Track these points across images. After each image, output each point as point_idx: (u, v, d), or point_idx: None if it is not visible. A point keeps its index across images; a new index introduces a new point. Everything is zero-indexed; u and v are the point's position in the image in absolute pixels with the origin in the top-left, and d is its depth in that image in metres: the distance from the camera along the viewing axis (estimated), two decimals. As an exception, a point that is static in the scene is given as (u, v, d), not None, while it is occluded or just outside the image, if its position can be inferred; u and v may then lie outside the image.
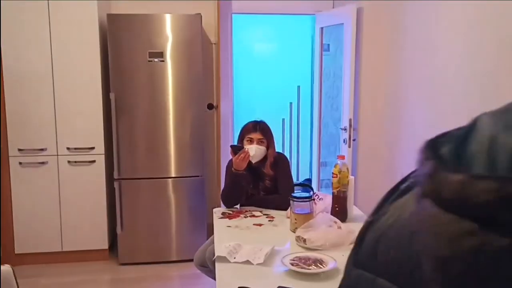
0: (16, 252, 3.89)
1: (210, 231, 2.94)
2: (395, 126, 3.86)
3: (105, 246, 4.02)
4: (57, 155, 3.87)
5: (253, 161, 2.82)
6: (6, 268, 1.64)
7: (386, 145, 4.03)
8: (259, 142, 2.85)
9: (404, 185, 0.54)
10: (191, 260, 2.95)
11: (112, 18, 3.78)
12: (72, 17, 3.76)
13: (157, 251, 4.01)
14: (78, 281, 3.74)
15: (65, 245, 3.96)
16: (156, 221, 3.98)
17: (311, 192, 2.55)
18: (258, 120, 2.97)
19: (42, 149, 3.85)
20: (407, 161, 3.69)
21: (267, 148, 2.89)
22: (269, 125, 3.00)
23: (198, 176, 3.99)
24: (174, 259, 4.01)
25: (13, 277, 1.66)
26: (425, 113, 3.39)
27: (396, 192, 0.54)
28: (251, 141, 2.85)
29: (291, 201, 2.42)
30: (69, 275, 3.82)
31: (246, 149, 2.75)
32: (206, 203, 4.07)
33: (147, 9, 4.06)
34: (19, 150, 3.81)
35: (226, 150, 3.75)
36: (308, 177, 5.97)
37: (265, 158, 2.89)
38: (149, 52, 3.81)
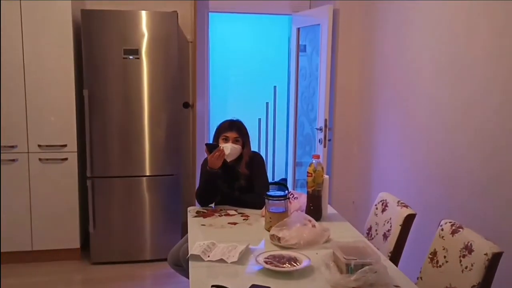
0: (-16, 252, 3.79)
1: (184, 230, 2.92)
2: (369, 126, 3.91)
3: (77, 245, 3.94)
4: (28, 152, 3.78)
5: (228, 160, 2.81)
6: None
7: (360, 145, 4.08)
8: (235, 141, 2.84)
9: None
10: (165, 260, 2.92)
11: (86, 14, 3.71)
12: (45, 12, 3.68)
13: (131, 251, 3.96)
14: (48, 281, 3.66)
15: (35, 244, 3.87)
16: (129, 220, 3.92)
17: (286, 191, 2.55)
18: (234, 119, 2.96)
19: (12, 146, 3.75)
20: (381, 161, 3.74)
21: (243, 147, 2.88)
22: (245, 124, 2.99)
23: (172, 175, 3.95)
24: (148, 258, 3.97)
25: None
26: (399, 114, 3.44)
27: None
28: (226, 139, 2.84)
29: (266, 200, 2.42)
30: (39, 275, 3.74)
31: (221, 148, 2.74)
32: (181, 202, 4.03)
33: (122, 5, 4.01)
34: (-12, 147, 3.72)
35: (202, 149, 3.73)
36: (283, 176, 5.98)
37: (240, 157, 2.88)
38: (124, 49, 3.76)
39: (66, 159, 3.83)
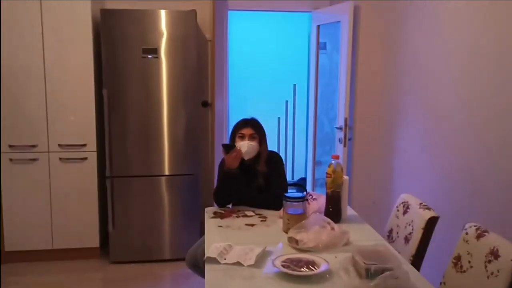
0: (5, 250, 3.84)
1: (203, 230, 2.89)
2: (391, 126, 3.83)
3: (96, 244, 3.97)
4: (49, 151, 3.82)
5: (246, 158, 2.77)
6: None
7: (382, 145, 3.99)
8: (251, 137, 2.80)
9: None
10: (184, 259, 2.91)
11: (106, 14, 3.72)
12: (65, 11, 3.71)
13: (149, 250, 3.96)
14: (68, 279, 3.69)
15: (55, 243, 3.91)
16: (148, 219, 3.93)
17: (305, 192, 2.50)
18: (249, 117, 2.93)
19: (33, 146, 3.79)
20: (402, 161, 3.65)
21: (260, 144, 2.84)
22: (264, 123, 2.95)
23: (191, 174, 3.94)
24: (167, 258, 3.97)
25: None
26: (422, 113, 3.36)
27: None
28: (242, 137, 2.81)
29: (284, 202, 2.38)
30: (59, 273, 3.77)
31: (238, 147, 2.71)
32: (200, 201, 4.02)
33: (141, 5, 4.00)
34: (10, 146, 3.76)
35: (220, 148, 3.70)
36: (303, 176, 5.92)
37: (258, 155, 2.84)
38: (143, 48, 3.76)
39: (85, 158, 3.86)
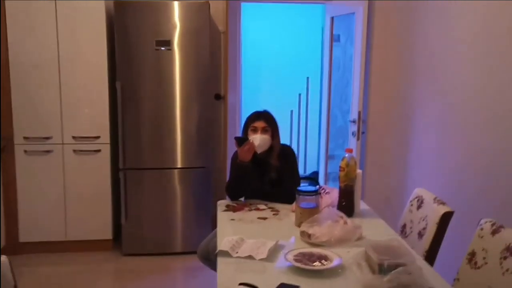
0: (20, 241, 3.89)
1: (214, 223, 2.90)
2: (405, 119, 3.79)
3: (109, 236, 4.00)
4: (63, 143, 3.84)
5: (259, 151, 2.75)
6: (2, 259, 1.59)
7: (395, 138, 3.95)
8: (263, 130, 2.78)
9: None
10: (195, 253, 2.91)
11: (119, 6, 3.72)
12: (79, 4, 3.72)
13: (161, 243, 3.98)
14: (81, 270, 3.73)
15: (69, 235, 3.94)
16: (160, 212, 3.94)
17: (317, 186, 2.49)
18: (262, 110, 2.91)
19: (47, 138, 3.82)
20: (416, 155, 3.61)
21: (272, 137, 2.82)
22: (277, 116, 2.93)
23: (203, 167, 3.94)
24: (179, 250, 3.98)
25: (9, 269, 1.62)
26: (436, 107, 3.31)
27: None
28: (255, 130, 2.79)
29: (296, 195, 2.36)
30: (72, 264, 3.81)
31: (251, 140, 2.69)
32: (212, 194, 4.02)
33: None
34: (25, 138, 3.79)
35: (233, 141, 3.69)
36: (315, 169, 5.90)
37: (271, 149, 2.82)
38: (156, 41, 3.75)
39: (99, 150, 3.88)
